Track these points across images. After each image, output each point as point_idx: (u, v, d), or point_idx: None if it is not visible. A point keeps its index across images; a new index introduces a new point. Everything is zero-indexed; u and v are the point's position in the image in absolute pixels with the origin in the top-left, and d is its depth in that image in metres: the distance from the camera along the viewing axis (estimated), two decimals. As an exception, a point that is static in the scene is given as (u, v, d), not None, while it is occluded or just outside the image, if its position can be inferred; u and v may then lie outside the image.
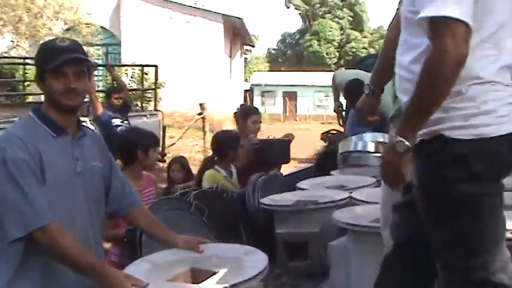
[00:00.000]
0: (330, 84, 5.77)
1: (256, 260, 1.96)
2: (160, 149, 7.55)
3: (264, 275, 1.86)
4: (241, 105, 4.50)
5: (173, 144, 10.91)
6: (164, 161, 7.82)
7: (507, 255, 1.63)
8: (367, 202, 2.84)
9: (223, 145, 3.63)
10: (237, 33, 20.66)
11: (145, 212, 2.23)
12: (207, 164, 3.67)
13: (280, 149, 4.15)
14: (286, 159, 4.28)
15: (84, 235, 1.93)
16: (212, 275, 1.88)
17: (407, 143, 1.52)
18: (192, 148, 12.11)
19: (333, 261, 2.61)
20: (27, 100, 8.97)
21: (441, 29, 1.46)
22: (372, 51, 34.30)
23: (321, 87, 29.95)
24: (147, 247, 2.36)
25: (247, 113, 4.17)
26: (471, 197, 1.55)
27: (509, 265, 1.62)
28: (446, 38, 1.44)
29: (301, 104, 32.93)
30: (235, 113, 4.48)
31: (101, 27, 15.67)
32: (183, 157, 4.39)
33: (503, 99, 1.58)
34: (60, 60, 1.81)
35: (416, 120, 1.55)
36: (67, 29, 12.76)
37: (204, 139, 12.10)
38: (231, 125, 16.77)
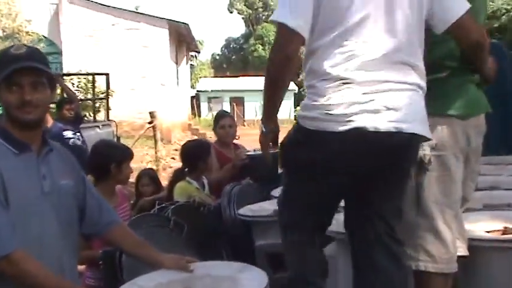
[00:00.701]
0: None
1: (254, 278, 1.87)
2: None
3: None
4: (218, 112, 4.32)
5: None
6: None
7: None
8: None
9: (193, 156, 3.48)
10: (182, 39, 20.40)
11: (126, 230, 2.08)
12: (177, 175, 3.51)
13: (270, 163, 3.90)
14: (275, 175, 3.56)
15: (57, 260, 1.78)
16: (209, 297, 1.77)
17: (263, 128, 1.89)
18: (143, 158, 11.82)
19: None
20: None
21: (277, 31, 1.75)
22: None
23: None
24: (128, 269, 2.21)
25: (215, 120, 4.02)
26: (305, 179, 1.83)
27: None
28: (275, 41, 1.75)
29: (249, 108, 32.98)
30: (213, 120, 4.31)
31: (41, 35, 15.02)
32: (151, 169, 4.20)
33: (349, 99, 1.65)
34: (11, 69, 1.64)
35: (265, 108, 1.87)
36: (6, 37, 12.12)
37: (155, 148, 11.86)
38: (180, 133, 16.51)
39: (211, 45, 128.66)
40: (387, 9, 1.68)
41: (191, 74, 30.66)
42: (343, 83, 1.66)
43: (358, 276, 1.93)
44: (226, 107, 33.21)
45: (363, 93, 1.65)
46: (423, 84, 1.74)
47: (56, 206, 1.78)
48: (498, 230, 2.25)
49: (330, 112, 1.67)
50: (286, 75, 1.75)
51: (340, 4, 1.66)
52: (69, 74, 10.83)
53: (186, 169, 3.44)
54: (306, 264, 1.96)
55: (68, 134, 5.81)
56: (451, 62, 1.87)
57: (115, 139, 7.17)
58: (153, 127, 11.69)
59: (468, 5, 1.78)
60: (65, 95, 6.31)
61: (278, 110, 1.90)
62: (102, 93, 8.13)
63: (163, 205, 2.80)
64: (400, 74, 1.69)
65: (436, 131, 1.85)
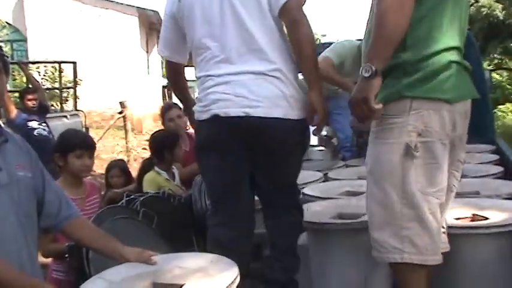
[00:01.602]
0: None
1: (225, 269, 1.84)
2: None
3: (237, 283, 1.74)
4: (163, 104, 4.16)
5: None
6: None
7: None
8: (321, 198, 2.79)
9: (160, 146, 3.41)
10: (153, 27, 20.07)
11: (85, 223, 2.02)
12: (146, 166, 3.44)
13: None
14: None
15: (17, 256, 1.71)
16: (179, 290, 1.73)
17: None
18: (114, 149, 11.61)
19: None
20: None
21: None
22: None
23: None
24: (95, 262, 2.14)
25: (162, 114, 3.92)
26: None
27: None
28: None
29: (220, 98, 32.75)
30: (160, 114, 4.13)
31: (5, 21, 14.53)
32: (121, 160, 4.10)
33: (208, 90, 2.07)
34: None
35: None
36: (-33, 24, 11.69)
37: (126, 139, 11.66)
38: (152, 123, 16.33)
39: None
40: (221, 18, 2.04)
41: (162, 64, 30.23)
42: (206, 79, 2.09)
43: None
44: (198, 97, 32.88)
45: (218, 85, 2.03)
46: (272, 71, 2.01)
47: (14, 198, 1.71)
48: (467, 217, 2.28)
49: (199, 104, 2.14)
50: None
51: (191, 21, 2.14)
52: (34, 62, 10.51)
53: (155, 160, 3.37)
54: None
55: (33, 124, 5.65)
56: (435, 41, 1.77)
57: (83, 130, 7.00)
58: (124, 117, 11.48)
59: None
60: (29, 84, 6.12)
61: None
62: (70, 82, 7.90)
63: (132, 197, 2.73)
64: (247, 65, 2.01)
65: (423, 116, 1.77)
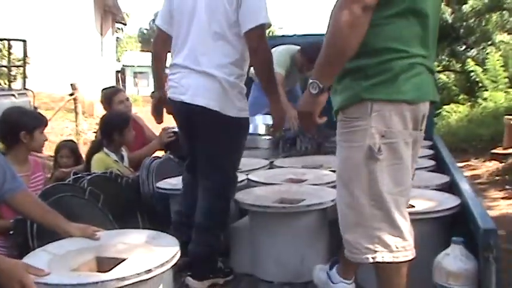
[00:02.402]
0: None
1: (166, 244, 1.92)
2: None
3: (178, 257, 1.83)
4: (102, 90, 4.13)
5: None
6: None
7: None
8: (265, 183, 2.91)
9: (109, 128, 3.42)
10: (108, 10, 19.63)
11: (31, 197, 2.07)
12: (95, 147, 3.45)
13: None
14: None
15: None
16: (120, 262, 1.80)
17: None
18: (63, 131, 11.36)
19: (235, 242, 2.65)
20: None
21: None
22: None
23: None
24: (40, 237, 2.18)
25: (109, 97, 3.92)
26: None
27: None
28: None
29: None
30: (101, 101, 4.09)
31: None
32: (72, 141, 4.07)
33: (169, 77, 2.52)
34: None
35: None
36: None
37: (76, 121, 11.42)
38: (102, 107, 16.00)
39: (138, 19, 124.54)
40: (189, 17, 2.38)
41: (117, 47, 29.64)
42: (171, 68, 2.50)
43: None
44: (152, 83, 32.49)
45: (173, 74, 2.47)
46: (213, 72, 2.35)
47: None
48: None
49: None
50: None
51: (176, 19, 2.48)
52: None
53: (104, 141, 3.39)
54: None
55: (-21, 101, 5.50)
56: (397, 44, 1.76)
57: (32, 109, 6.85)
58: (74, 99, 11.26)
59: (261, 21, 2.30)
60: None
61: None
62: (19, 61, 7.68)
63: (79, 175, 2.76)
64: (191, 63, 2.38)
65: (385, 117, 1.76)
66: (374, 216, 1.81)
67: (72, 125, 11.55)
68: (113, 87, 4.15)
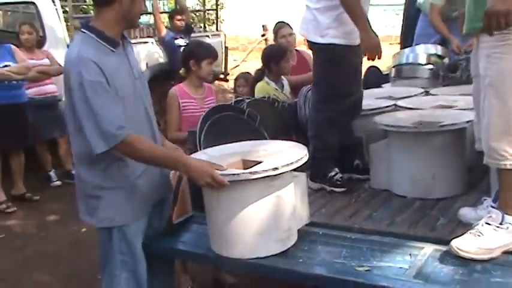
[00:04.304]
0: (399, 2, 5.73)
1: (297, 152, 2.23)
2: (223, 69, 7.85)
3: (302, 161, 2.12)
4: (276, 23, 4.55)
5: (237, 66, 11.16)
6: (227, 81, 8.12)
7: None
8: (410, 108, 3.00)
9: (267, 58, 3.82)
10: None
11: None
12: (257, 76, 3.89)
13: None
14: None
15: (151, 135, 2.21)
16: (258, 163, 2.17)
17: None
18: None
19: (374, 160, 2.84)
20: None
21: None
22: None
23: (389, 6, 28.50)
24: (205, 146, 2.68)
25: (276, 31, 4.33)
26: None
27: None
28: None
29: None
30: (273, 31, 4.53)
31: None
32: (247, 72, 4.60)
33: None
34: None
35: None
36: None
37: (266, 61, 12.20)
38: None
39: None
40: None
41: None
42: None
43: None
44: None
45: None
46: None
47: (141, 89, 2.17)
48: None
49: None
50: None
51: None
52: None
53: (266, 71, 3.79)
54: None
55: (180, 42, 6.38)
56: None
57: (223, 49, 7.66)
58: (266, 40, 12.03)
59: None
60: (177, 6, 6.84)
61: None
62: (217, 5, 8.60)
63: (240, 98, 3.20)
64: None
65: None
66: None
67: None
68: (282, 22, 4.50)
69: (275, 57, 3.75)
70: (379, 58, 2.62)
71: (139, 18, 2.13)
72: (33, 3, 5.62)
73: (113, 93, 1.98)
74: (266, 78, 3.75)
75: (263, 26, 11.98)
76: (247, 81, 4.44)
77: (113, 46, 2.04)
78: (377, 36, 2.61)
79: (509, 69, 1.90)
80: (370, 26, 2.61)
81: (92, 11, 9.25)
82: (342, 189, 2.76)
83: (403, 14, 5.52)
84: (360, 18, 2.56)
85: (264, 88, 3.68)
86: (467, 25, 2.08)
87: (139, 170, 2.14)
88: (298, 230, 2.20)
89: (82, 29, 2.05)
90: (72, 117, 2.03)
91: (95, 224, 2.18)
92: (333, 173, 2.81)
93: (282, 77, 3.84)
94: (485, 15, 1.81)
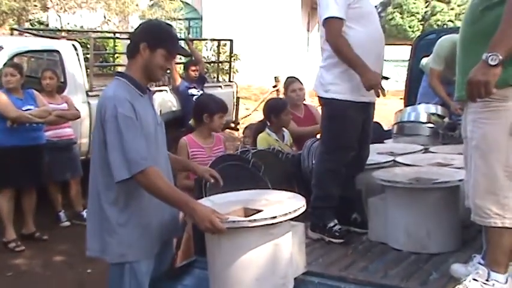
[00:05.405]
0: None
1: (295, 202, 2.35)
2: (234, 118, 8.08)
3: (300, 212, 2.24)
4: (287, 78, 4.78)
5: (248, 115, 11.44)
6: (237, 130, 8.34)
7: None
8: (407, 165, 3.12)
9: (267, 111, 4.01)
10: (315, 7, 20.39)
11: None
12: (258, 127, 4.06)
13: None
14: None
15: (166, 174, 2.34)
16: (258, 212, 2.29)
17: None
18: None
19: (372, 214, 2.95)
20: (117, 70, 9.76)
21: None
22: (458, 24, 32.63)
23: (401, 62, 29.10)
24: (209, 193, 2.82)
25: (286, 85, 4.54)
26: None
27: None
28: None
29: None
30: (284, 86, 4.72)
31: (184, 2, 16.33)
32: (253, 124, 4.81)
33: None
34: (178, 49, 2.43)
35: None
36: (151, 5, 13.51)
37: (277, 111, 12.46)
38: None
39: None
40: None
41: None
42: None
43: None
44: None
45: None
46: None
47: (161, 135, 2.36)
48: None
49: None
50: None
51: None
52: (197, 39, 11.97)
53: (267, 122, 3.96)
54: None
55: (193, 91, 6.64)
56: None
57: (234, 99, 7.92)
58: (277, 91, 12.32)
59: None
60: (192, 57, 7.14)
61: None
62: (231, 57, 8.92)
63: (246, 149, 3.36)
64: None
65: None
66: (506, 186, 2.02)
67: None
68: (292, 77, 4.71)
69: (275, 110, 3.94)
70: (383, 95, 2.79)
71: (161, 72, 2.33)
72: (57, 51, 5.91)
73: (141, 129, 2.17)
74: (267, 130, 3.93)
75: (275, 77, 12.31)
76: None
77: (141, 91, 2.28)
78: (378, 74, 2.83)
79: (493, 133, 2.04)
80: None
81: (111, 59, 9.72)
82: (340, 241, 2.86)
83: (407, 73, 5.74)
84: (355, 64, 2.77)
85: (265, 139, 3.85)
86: (457, 92, 2.24)
87: (154, 209, 2.28)
88: (295, 279, 2.29)
89: (117, 76, 2.32)
90: (99, 150, 2.19)
91: (106, 260, 2.27)
92: (332, 224, 2.92)
93: (283, 128, 4.01)
94: (467, 84, 1.96)
